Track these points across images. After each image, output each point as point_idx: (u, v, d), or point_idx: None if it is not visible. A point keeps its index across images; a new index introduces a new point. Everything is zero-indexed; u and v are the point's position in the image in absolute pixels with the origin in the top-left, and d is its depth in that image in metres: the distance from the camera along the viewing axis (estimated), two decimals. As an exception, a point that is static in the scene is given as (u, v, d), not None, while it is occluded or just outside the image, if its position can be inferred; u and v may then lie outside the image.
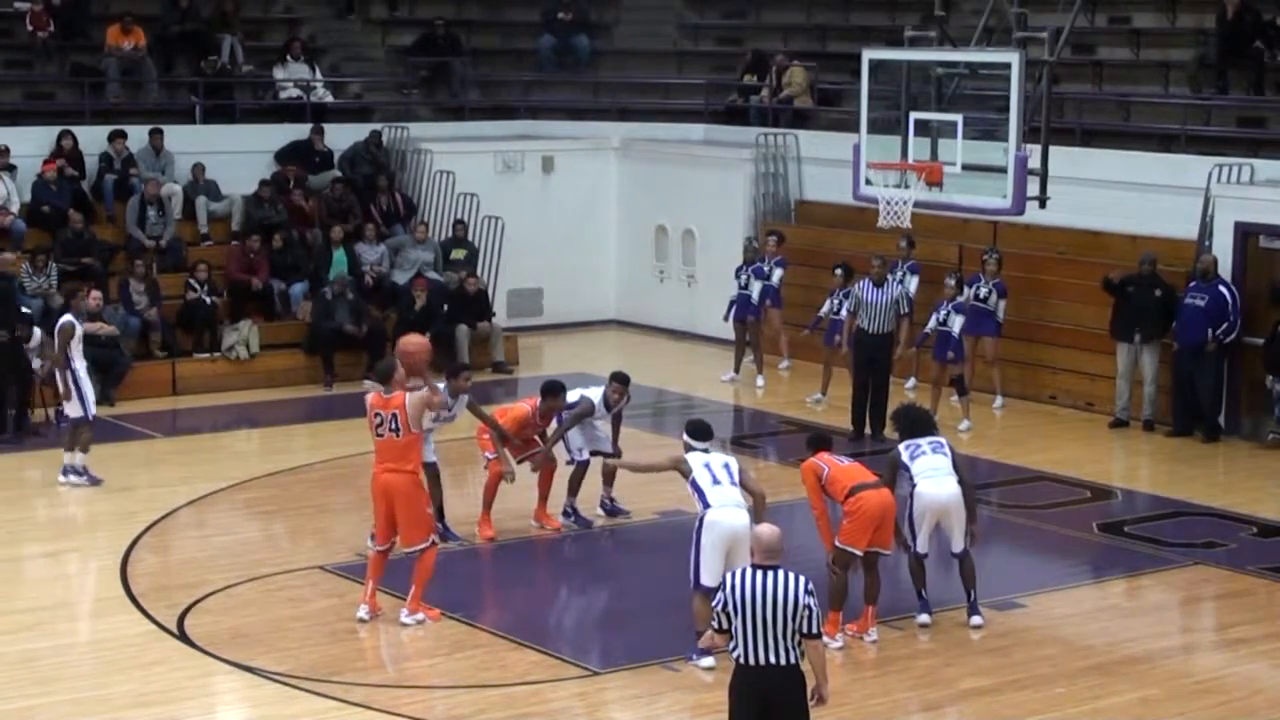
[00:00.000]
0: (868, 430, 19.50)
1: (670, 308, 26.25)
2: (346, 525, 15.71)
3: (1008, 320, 20.80)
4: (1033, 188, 16.01)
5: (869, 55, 17.23)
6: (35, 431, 19.29)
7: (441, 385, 14.97)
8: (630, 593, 14.73)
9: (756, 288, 22.35)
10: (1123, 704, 12.11)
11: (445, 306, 23.28)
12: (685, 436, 13.17)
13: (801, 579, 9.30)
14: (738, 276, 22.60)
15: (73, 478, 17.40)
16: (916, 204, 16.62)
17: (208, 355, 22.21)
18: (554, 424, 15.82)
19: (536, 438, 15.80)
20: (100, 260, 22.19)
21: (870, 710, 11.98)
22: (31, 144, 23.23)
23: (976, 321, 20.36)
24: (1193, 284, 19.54)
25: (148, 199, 23.02)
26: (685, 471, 12.88)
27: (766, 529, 9.54)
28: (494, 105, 28.07)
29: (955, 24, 19.35)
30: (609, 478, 15.91)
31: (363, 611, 13.48)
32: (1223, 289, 19.31)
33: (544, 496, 15.94)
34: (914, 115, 16.47)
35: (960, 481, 13.37)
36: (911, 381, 21.84)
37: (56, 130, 23.47)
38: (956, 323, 19.95)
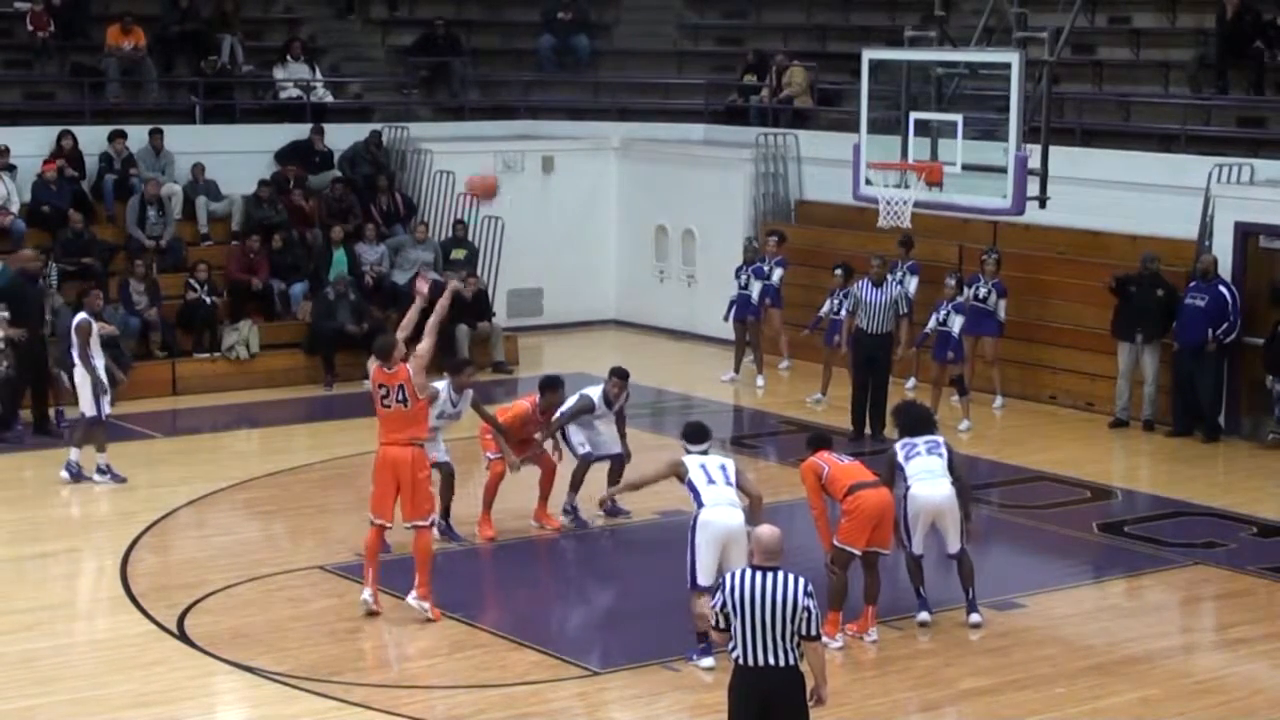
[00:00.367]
0: (868, 430, 19.50)
1: (670, 308, 26.25)
2: (346, 525, 15.71)
3: (1008, 320, 20.80)
4: (1033, 188, 16.02)
5: (869, 55, 17.24)
6: (52, 432, 19.28)
7: (444, 383, 15.00)
8: (630, 593, 14.73)
9: (756, 288, 22.35)
10: (1123, 704, 12.11)
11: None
12: (682, 441, 13.19)
13: (801, 580, 9.29)
14: (738, 276, 22.60)
15: (98, 478, 17.41)
16: (916, 204, 16.63)
17: (208, 355, 22.22)
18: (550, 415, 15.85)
19: (538, 437, 15.79)
20: (100, 260, 22.19)
21: (870, 710, 11.98)
22: (31, 144, 23.23)
23: (976, 321, 20.36)
24: (1193, 284, 19.55)
25: (148, 199, 23.02)
26: (681, 474, 12.89)
27: (766, 530, 9.51)
28: (494, 105, 28.07)
29: (955, 24, 19.35)
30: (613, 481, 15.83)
31: (366, 595, 13.49)
32: (1223, 289, 19.32)
33: (544, 496, 15.95)
34: (914, 115, 16.48)
35: (956, 481, 13.38)
36: (911, 382, 21.84)
37: (56, 130, 23.47)
38: (956, 323, 19.96)
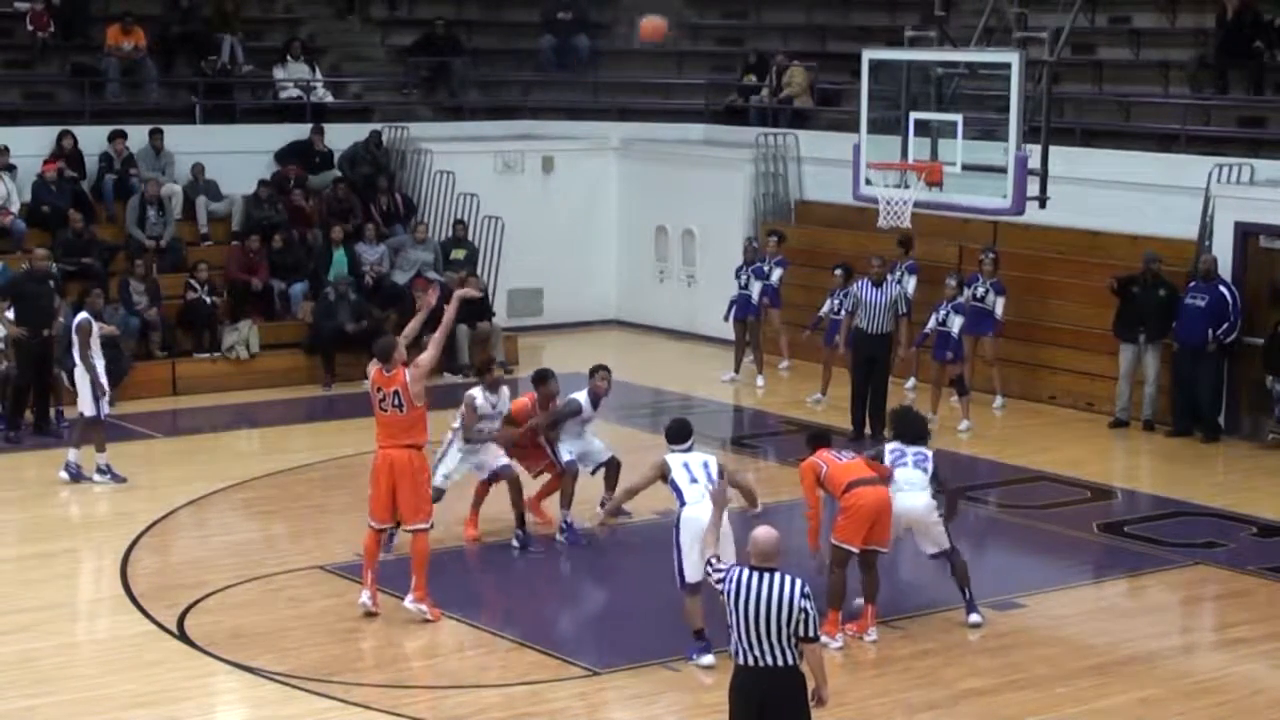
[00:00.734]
0: (867, 430, 19.49)
1: (670, 308, 26.25)
2: (346, 525, 15.70)
3: (1008, 320, 20.81)
4: (1033, 188, 16.03)
5: (869, 55, 17.24)
6: (52, 432, 19.28)
7: (478, 390, 15.09)
8: (630, 593, 14.72)
9: (756, 288, 22.36)
10: (1123, 704, 12.11)
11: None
12: (666, 439, 13.22)
13: (798, 582, 9.25)
14: (738, 276, 22.60)
15: (97, 478, 17.42)
16: (916, 204, 16.64)
17: (208, 355, 22.22)
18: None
19: (544, 444, 15.76)
20: (100, 260, 22.19)
21: (870, 710, 11.98)
22: (31, 144, 23.23)
23: (976, 321, 20.36)
24: (1193, 284, 19.55)
25: (148, 199, 23.03)
26: (665, 474, 12.97)
27: (762, 532, 9.41)
28: (494, 105, 28.08)
29: (955, 24, 19.35)
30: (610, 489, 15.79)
31: (365, 597, 13.50)
32: (1223, 289, 19.32)
33: (548, 493, 15.94)
34: (914, 115, 16.49)
35: (940, 493, 13.49)
36: (911, 382, 21.85)
37: (56, 130, 23.47)
38: (956, 323, 19.96)
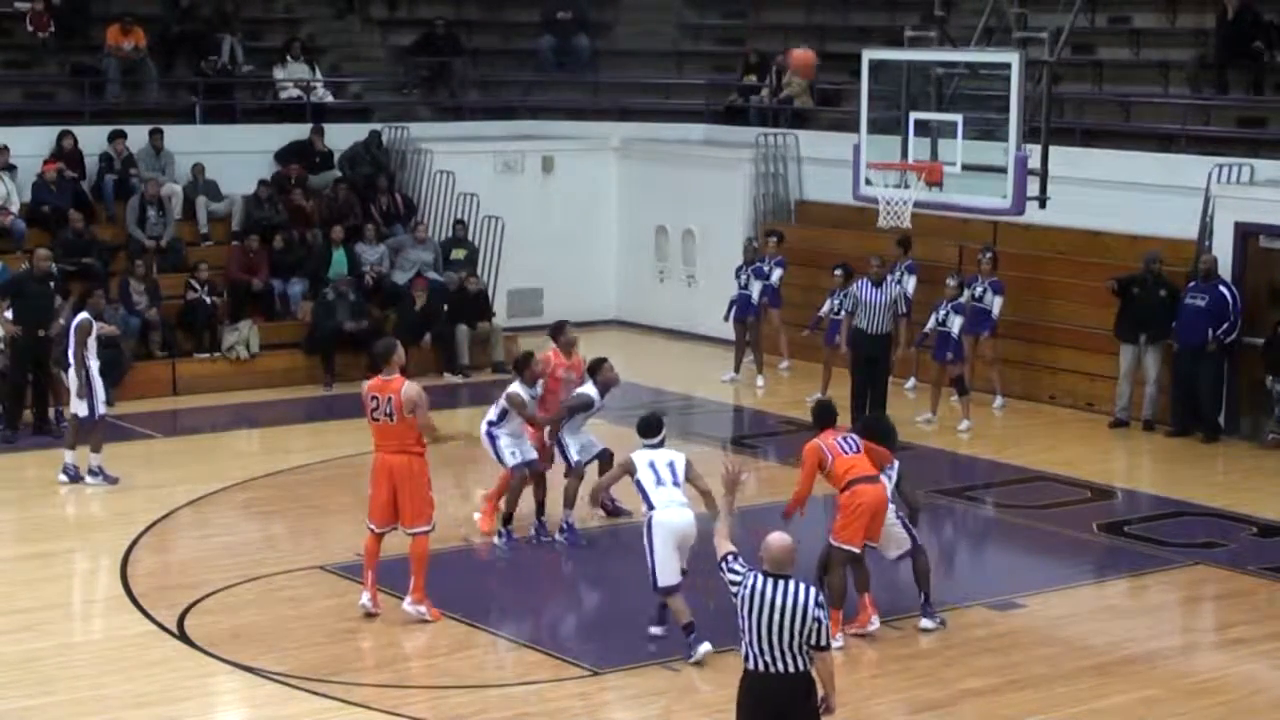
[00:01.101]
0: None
1: (670, 308, 26.25)
2: (346, 525, 15.70)
3: (1009, 320, 20.81)
4: (1033, 188, 16.02)
5: (869, 55, 17.23)
6: (52, 432, 19.28)
7: (516, 385, 15.37)
8: (630, 593, 14.68)
9: (756, 288, 22.36)
10: (1123, 704, 12.11)
11: (445, 306, 23.29)
12: (637, 433, 13.32)
13: (812, 591, 9.16)
14: (738, 276, 22.61)
15: (89, 479, 17.41)
16: (916, 204, 16.63)
17: (208, 355, 22.22)
18: (578, 360, 16.04)
19: (551, 442, 15.81)
20: (100, 260, 22.18)
21: (870, 710, 11.98)
22: (31, 144, 23.23)
23: (975, 321, 20.36)
24: (1193, 284, 19.55)
25: (148, 199, 23.03)
26: (631, 471, 13.06)
27: (776, 539, 9.31)
28: (494, 105, 28.08)
29: (955, 24, 19.33)
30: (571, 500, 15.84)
31: (364, 599, 13.50)
32: (1223, 289, 19.32)
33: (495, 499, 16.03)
34: (914, 115, 16.48)
35: (903, 500, 13.47)
36: (911, 382, 21.85)
37: (56, 130, 23.48)
38: (955, 323, 19.96)
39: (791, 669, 9.12)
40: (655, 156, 26.60)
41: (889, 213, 16.74)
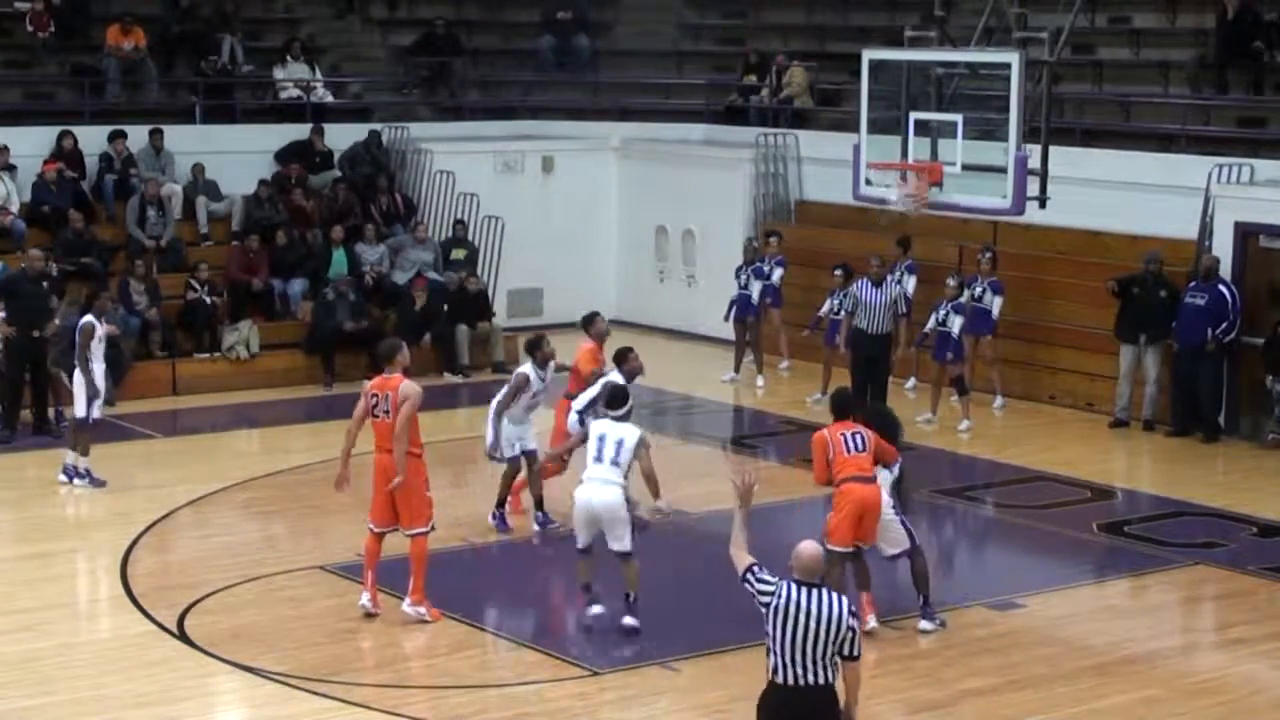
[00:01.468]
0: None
1: (670, 308, 26.24)
2: (346, 525, 15.69)
3: (1009, 320, 20.81)
4: (1033, 188, 16.03)
5: (869, 55, 17.25)
6: (52, 432, 19.27)
7: (527, 366, 15.54)
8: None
9: (756, 288, 22.36)
10: (1123, 704, 12.10)
11: (445, 306, 23.29)
12: (603, 404, 13.45)
13: (844, 600, 9.03)
14: (738, 276, 22.60)
15: (76, 481, 17.41)
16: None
17: (208, 355, 22.21)
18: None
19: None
20: (100, 260, 22.18)
21: (870, 710, 11.94)
22: (31, 144, 23.22)
23: (976, 321, 20.36)
24: (1193, 284, 19.55)
25: (148, 199, 23.02)
26: (583, 440, 13.37)
27: (807, 547, 9.11)
28: (494, 105, 28.08)
29: (955, 24, 19.35)
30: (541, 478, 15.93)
31: (364, 599, 13.50)
32: (1223, 289, 19.32)
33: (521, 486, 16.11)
34: (914, 115, 16.49)
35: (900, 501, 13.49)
36: (911, 382, 21.85)
37: (56, 130, 23.47)
38: (956, 323, 19.96)
39: (820, 680, 8.96)
40: (655, 156, 26.60)
41: (904, 199, 16.67)
